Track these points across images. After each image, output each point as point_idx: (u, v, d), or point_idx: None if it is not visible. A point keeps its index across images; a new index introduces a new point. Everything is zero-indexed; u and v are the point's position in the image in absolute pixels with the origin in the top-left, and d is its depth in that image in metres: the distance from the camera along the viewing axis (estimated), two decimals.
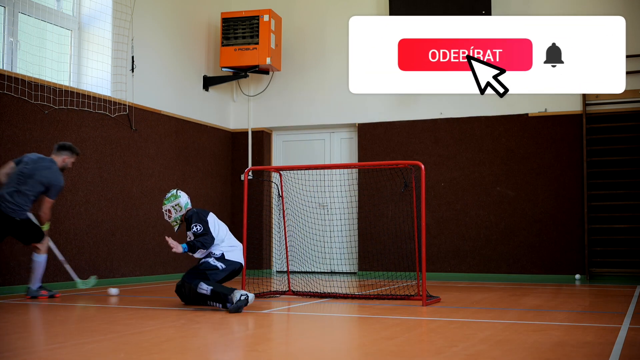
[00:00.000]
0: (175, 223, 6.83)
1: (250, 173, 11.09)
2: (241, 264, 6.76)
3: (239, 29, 11.06)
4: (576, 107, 10.24)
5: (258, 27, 10.94)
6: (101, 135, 9.09)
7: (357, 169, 11.02)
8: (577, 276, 9.99)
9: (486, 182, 10.59)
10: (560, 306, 6.69)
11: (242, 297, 5.98)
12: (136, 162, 9.69)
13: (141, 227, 9.71)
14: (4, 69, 7.98)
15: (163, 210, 6.84)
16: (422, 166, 6.90)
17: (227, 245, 6.72)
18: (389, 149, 11.08)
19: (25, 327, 5.22)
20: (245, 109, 11.96)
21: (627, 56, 10.19)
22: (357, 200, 10.99)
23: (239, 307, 5.96)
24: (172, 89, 10.57)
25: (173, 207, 6.78)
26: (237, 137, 11.95)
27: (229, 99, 11.94)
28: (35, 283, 7.19)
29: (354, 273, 11.19)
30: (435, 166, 10.74)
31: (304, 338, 4.94)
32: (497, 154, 10.57)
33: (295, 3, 11.81)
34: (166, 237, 6.51)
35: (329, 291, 7.79)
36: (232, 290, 6.10)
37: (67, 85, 8.72)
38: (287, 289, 7.74)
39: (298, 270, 10.28)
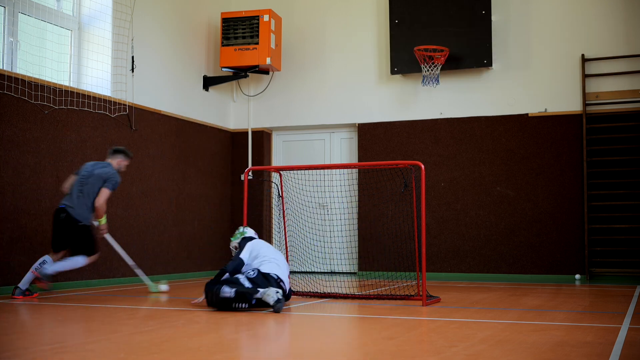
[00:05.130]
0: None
1: (250, 173, 11.10)
2: (276, 279, 6.40)
3: (239, 29, 11.06)
4: (576, 107, 10.23)
5: (258, 27, 10.94)
6: (101, 135, 9.09)
7: (357, 169, 11.03)
8: (577, 276, 9.99)
9: (486, 182, 10.59)
10: (560, 306, 6.69)
11: (279, 296, 5.94)
12: (136, 162, 9.68)
13: (141, 227, 9.71)
14: (4, 69, 7.98)
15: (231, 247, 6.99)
16: (422, 166, 6.90)
17: (265, 261, 6.51)
18: (389, 149, 11.08)
19: (25, 327, 5.22)
20: (245, 109, 11.96)
21: (627, 56, 10.25)
22: (357, 200, 10.99)
23: (280, 307, 5.92)
24: (172, 89, 10.58)
25: (235, 246, 6.90)
26: (237, 137, 11.95)
27: (229, 99, 11.95)
28: (26, 277, 7.18)
29: (354, 273, 11.19)
30: (435, 166, 10.75)
31: (304, 338, 4.94)
32: (497, 154, 10.57)
33: (295, 3, 11.81)
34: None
35: (329, 291, 7.79)
36: (256, 289, 6.05)
37: (67, 85, 8.72)
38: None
39: (298, 270, 10.29)
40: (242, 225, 7.66)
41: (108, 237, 7.84)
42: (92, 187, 7.45)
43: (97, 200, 7.43)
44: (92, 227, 7.50)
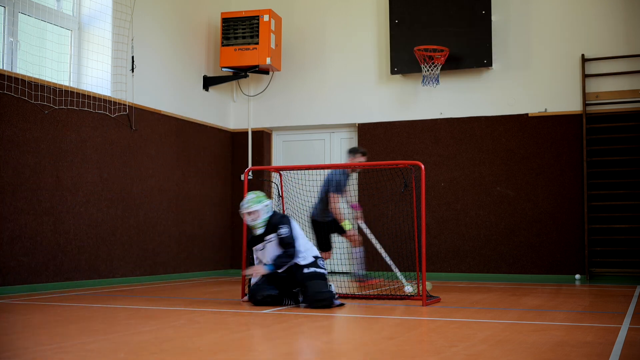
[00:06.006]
0: (262, 226, 6.60)
1: (250, 173, 11.09)
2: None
3: (239, 29, 11.06)
4: (576, 107, 10.23)
5: (258, 27, 10.93)
6: (101, 135, 9.09)
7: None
8: (577, 276, 9.99)
9: (486, 182, 10.59)
10: (560, 306, 6.69)
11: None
12: (136, 162, 9.68)
13: (141, 227, 9.71)
14: (4, 69, 7.98)
15: (250, 211, 6.53)
16: (422, 166, 6.90)
17: (312, 245, 6.86)
18: (389, 149, 11.08)
19: (25, 327, 5.22)
20: (245, 109, 11.96)
21: (627, 56, 10.25)
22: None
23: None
24: (172, 89, 10.57)
25: (265, 206, 6.59)
26: (237, 137, 11.95)
27: (229, 99, 11.95)
28: (357, 270, 8.66)
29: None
30: (435, 166, 10.74)
31: (304, 338, 4.94)
32: (497, 154, 10.57)
33: (295, 3, 11.81)
34: (244, 273, 6.60)
35: None
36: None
37: (67, 85, 8.72)
38: None
39: None
40: (240, 224, 7.61)
41: (356, 250, 8.61)
42: (320, 193, 8.43)
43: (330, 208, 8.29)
44: (320, 223, 8.41)
